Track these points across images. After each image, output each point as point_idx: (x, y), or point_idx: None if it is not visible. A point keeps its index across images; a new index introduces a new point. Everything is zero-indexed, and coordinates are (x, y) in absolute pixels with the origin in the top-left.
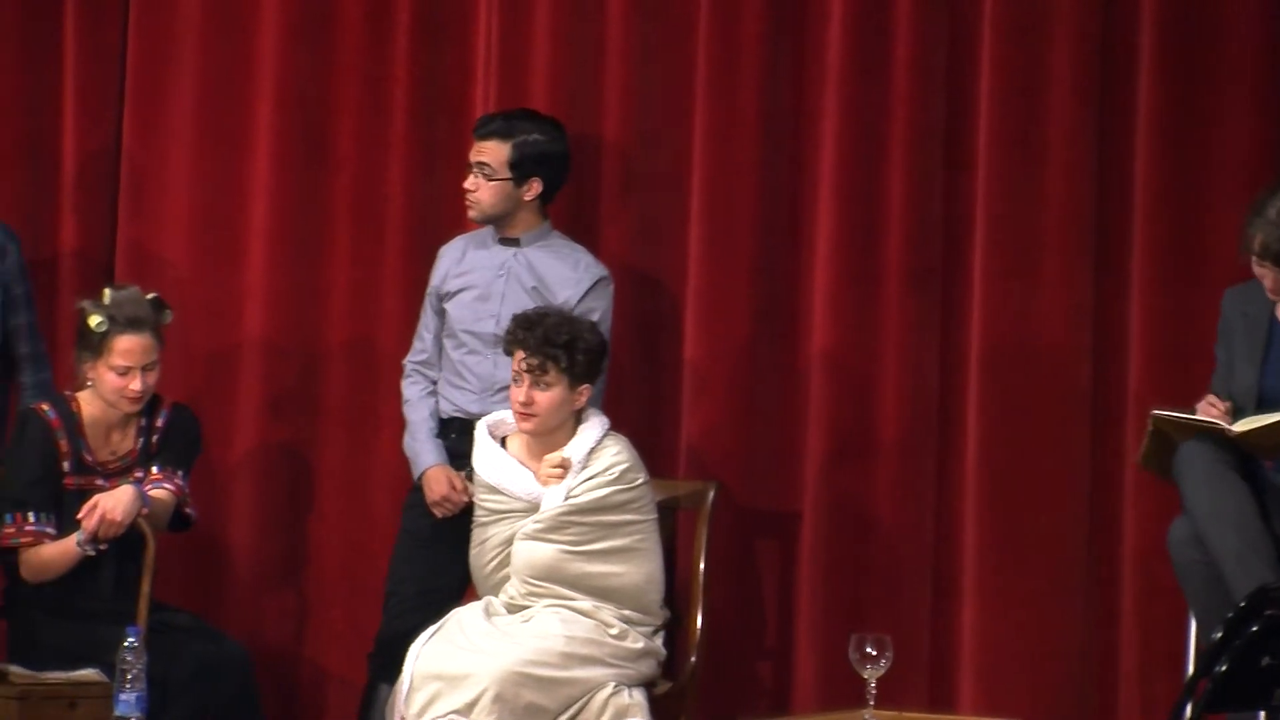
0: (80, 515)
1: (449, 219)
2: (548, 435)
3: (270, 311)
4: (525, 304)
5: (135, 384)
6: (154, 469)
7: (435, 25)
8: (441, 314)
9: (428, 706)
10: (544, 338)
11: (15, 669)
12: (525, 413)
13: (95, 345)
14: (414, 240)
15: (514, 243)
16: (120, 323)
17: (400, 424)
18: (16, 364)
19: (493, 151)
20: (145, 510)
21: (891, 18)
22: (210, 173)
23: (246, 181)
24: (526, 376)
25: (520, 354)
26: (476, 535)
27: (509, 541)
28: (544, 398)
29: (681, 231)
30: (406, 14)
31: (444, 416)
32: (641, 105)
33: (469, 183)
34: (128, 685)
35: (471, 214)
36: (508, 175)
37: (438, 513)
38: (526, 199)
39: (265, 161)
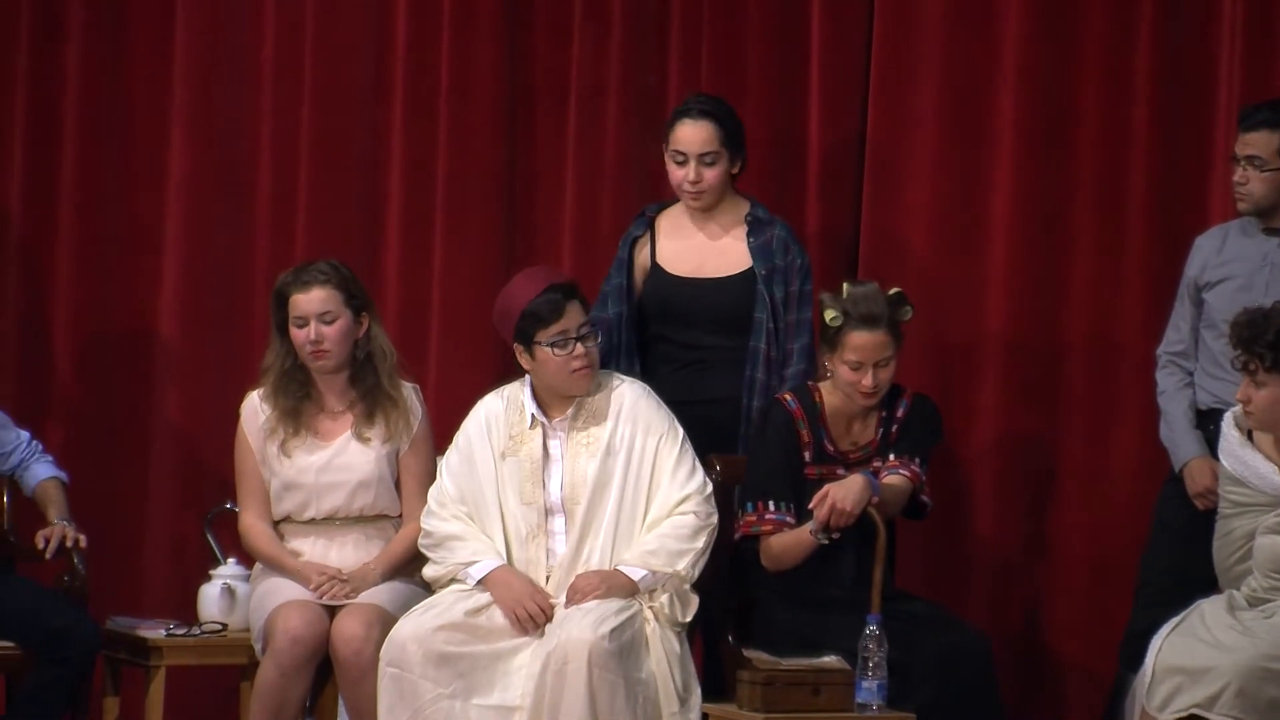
0: (812, 504)
1: (1191, 210)
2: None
3: (1011, 302)
4: None
5: (866, 380)
6: (891, 456)
7: (1178, 15)
8: (1199, 304)
9: (1169, 700)
10: (1250, 337)
11: (759, 655)
12: (1246, 410)
13: (831, 339)
14: (1156, 231)
15: (1278, 234)
16: (854, 319)
17: (1143, 415)
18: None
19: (1262, 142)
20: (876, 499)
21: None
22: (953, 161)
23: (988, 171)
24: (1244, 375)
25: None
26: (1220, 528)
27: (1252, 535)
28: (1260, 396)
29: None
30: (1150, 4)
31: (1202, 408)
32: None
33: (1238, 175)
34: (869, 673)
35: (1241, 206)
36: (1279, 165)
37: (1200, 504)
38: None
39: (1007, 151)
